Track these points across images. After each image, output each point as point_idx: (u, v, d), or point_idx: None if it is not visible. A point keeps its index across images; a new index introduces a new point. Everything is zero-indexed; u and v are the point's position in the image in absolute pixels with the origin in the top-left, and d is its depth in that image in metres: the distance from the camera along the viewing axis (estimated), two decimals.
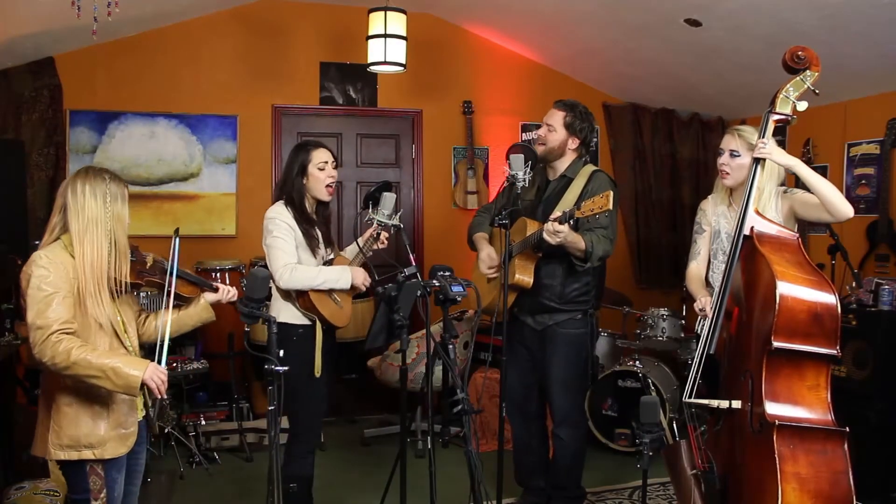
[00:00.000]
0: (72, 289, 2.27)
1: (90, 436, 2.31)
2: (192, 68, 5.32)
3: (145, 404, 2.50)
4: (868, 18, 3.87)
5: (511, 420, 3.63)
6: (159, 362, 2.34)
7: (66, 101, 5.04)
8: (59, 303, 2.23)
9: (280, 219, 3.10)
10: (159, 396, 2.33)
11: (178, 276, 2.47)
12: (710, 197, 3.13)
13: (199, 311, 2.59)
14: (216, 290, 2.63)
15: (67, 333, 2.21)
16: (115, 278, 2.34)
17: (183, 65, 5.30)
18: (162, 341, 2.39)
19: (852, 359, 3.77)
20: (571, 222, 2.97)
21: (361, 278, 3.20)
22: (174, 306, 2.53)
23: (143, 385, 2.25)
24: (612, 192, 2.83)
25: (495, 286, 3.44)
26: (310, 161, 3.17)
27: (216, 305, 2.64)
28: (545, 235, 3.07)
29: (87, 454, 2.31)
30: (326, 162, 3.19)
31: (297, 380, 2.93)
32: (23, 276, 2.27)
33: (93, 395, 2.31)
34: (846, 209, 2.67)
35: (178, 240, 2.45)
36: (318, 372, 3.13)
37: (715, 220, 3.07)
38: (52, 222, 2.36)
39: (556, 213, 3.03)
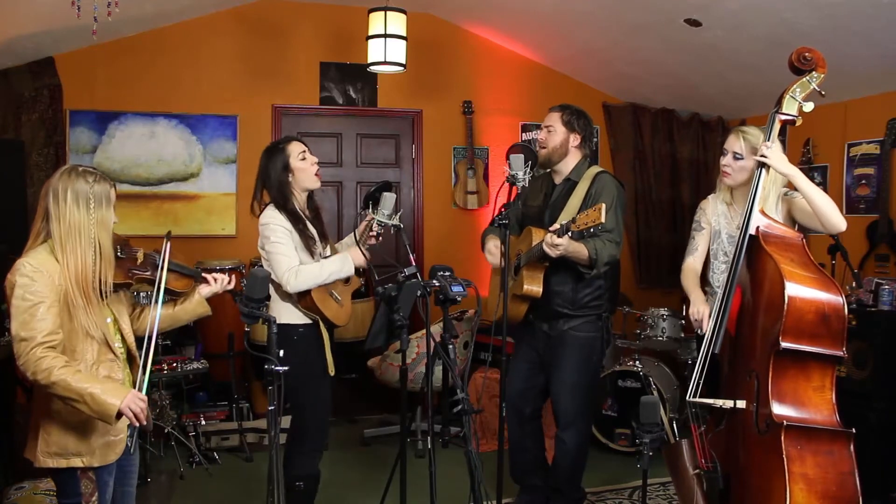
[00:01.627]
0: (58, 296, 2.20)
1: (79, 444, 2.27)
2: (192, 68, 5.32)
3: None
4: (868, 18, 3.87)
5: (507, 419, 3.63)
6: (141, 388, 2.28)
7: (66, 101, 5.04)
8: (45, 312, 2.16)
9: (275, 223, 3.07)
10: (137, 425, 2.24)
11: (170, 270, 2.45)
12: (710, 196, 3.14)
13: (195, 305, 2.57)
14: (209, 282, 2.60)
15: (51, 347, 2.15)
16: (101, 285, 2.29)
17: (183, 65, 5.30)
18: (145, 366, 2.31)
19: (852, 359, 3.76)
20: (569, 234, 2.98)
21: (361, 258, 3.17)
22: (168, 301, 2.49)
23: (121, 414, 2.17)
24: (603, 205, 2.81)
25: (509, 298, 3.42)
26: (289, 156, 3.13)
27: (216, 302, 2.63)
28: (545, 248, 3.07)
29: (76, 462, 2.28)
30: (304, 151, 3.16)
31: (299, 379, 2.92)
32: (7, 283, 2.20)
33: None
34: (839, 223, 2.68)
35: (168, 243, 2.42)
36: (331, 370, 3.12)
37: (715, 219, 3.08)
38: (35, 227, 2.28)
39: (555, 226, 3.04)
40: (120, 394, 2.17)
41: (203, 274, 2.62)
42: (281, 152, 3.14)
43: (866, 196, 4.87)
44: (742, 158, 2.91)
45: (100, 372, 2.32)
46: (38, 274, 2.18)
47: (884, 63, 4.35)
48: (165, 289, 2.43)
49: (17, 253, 2.29)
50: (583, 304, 3.40)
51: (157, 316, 2.40)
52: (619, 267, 3.59)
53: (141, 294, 3.73)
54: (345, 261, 3.14)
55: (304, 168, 3.15)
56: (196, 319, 2.65)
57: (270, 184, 3.15)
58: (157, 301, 2.40)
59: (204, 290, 2.60)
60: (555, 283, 3.38)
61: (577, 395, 3.43)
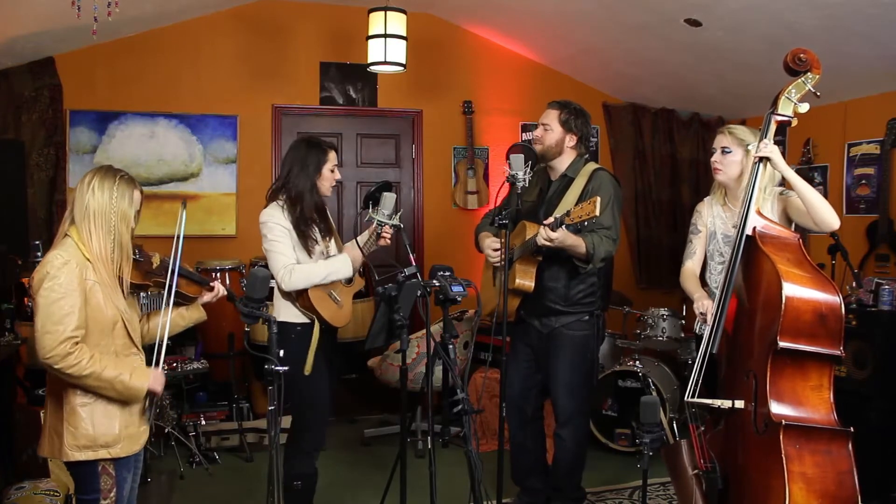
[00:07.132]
0: (83, 289, 2.25)
1: (105, 435, 2.32)
2: (192, 68, 5.32)
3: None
4: (868, 18, 3.88)
5: (508, 420, 3.63)
6: (157, 363, 2.37)
7: (66, 101, 5.04)
8: (71, 306, 2.20)
9: (273, 221, 3.08)
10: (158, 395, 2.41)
11: (182, 275, 2.48)
12: (705, 199, 3.17)
13: (192, 311, 2.61)
14: (212, 289, 2.64)
15: (77, 343, 2.21)
16: (119, 277, 2.34)
17: (183, 65, 5.30)
18: (161, 339, 2.41)
19: (852, 359, 3.76)
20: (563, 228, 2.98)
21: (359, 256, 3.21)
22: (176, 304, 2.52)
23: (148, 393, 2.32)
24: (598, 199, 2.82)
25: (500, 291, 3.43)
26: (326, 161, 3.17)
27: (215, 305, 2.66)
28: (539, 241, 3.07)
29: (103, 453, 2.32)
30: (336, 165, 3.22)
31: (294, 378, 2.92)
32: (35, 277, 2.25)
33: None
34: (831, 220, 2.68)
35: (184, 212, 2.44)
36: (307, 370, 3.08)
37: (710, 221, 3.10)
38: (64, 216, 2.37)
39: (549, 220, 3.04)
40: (146, 376, 2.34)
41: (211, 283, 2.67)
42: (323, 153, 3.17)
43: (866, 196, 4.87)
44: (731, 152, 2.94)
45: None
46: (66, 267, 2.22)
47: (884, 63, 4.35)
48: (177, 292, 2.47)
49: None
50: (575, 300, 3.40)
51: (170, 311, 2.46)
52: (612, 265, 3.59)
53: (142, 295, 3.74)
54: (344, 262, 3.14)
55: (328, 178, 3.19)
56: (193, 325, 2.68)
57: (294, 175, 3.13)
58: (167, 304, 2.44)
59: (203, 297, 2.63)
60: (548, 279, 3.38)
61: (573, 393, 3.43)
